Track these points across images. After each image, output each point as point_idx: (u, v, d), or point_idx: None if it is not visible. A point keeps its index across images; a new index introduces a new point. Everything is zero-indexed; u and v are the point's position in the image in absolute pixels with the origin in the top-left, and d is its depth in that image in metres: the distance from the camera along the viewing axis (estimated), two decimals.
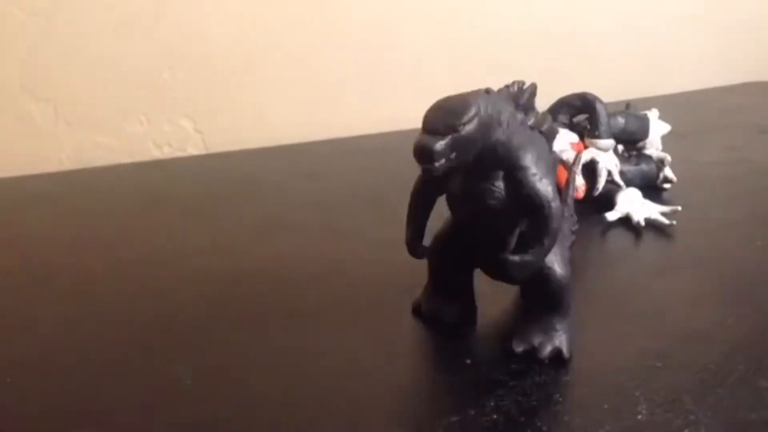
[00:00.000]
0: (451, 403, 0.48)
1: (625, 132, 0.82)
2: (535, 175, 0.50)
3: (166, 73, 1.01)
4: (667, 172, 0.83)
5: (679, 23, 1.28)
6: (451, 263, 0.58)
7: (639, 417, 0.46)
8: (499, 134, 0.49)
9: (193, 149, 1.05)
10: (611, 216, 0.76)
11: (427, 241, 0.57)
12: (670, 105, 0.96)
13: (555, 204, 0.51)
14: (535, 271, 0.53)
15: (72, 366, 0.53)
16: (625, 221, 0.76)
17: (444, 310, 0.58)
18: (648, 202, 0.77)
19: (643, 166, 0.83)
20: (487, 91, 0.50)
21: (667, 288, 0.63)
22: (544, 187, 0.50)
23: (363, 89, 1.11)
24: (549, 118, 0.56)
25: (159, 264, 0.70)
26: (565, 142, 0.79)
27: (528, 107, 0.53)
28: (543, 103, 0.83)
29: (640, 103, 0.88)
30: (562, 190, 0.78)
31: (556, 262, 0.54)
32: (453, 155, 0.47)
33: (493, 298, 0.60)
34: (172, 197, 0.87)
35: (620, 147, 0.84)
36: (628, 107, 0.86)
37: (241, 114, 1.06)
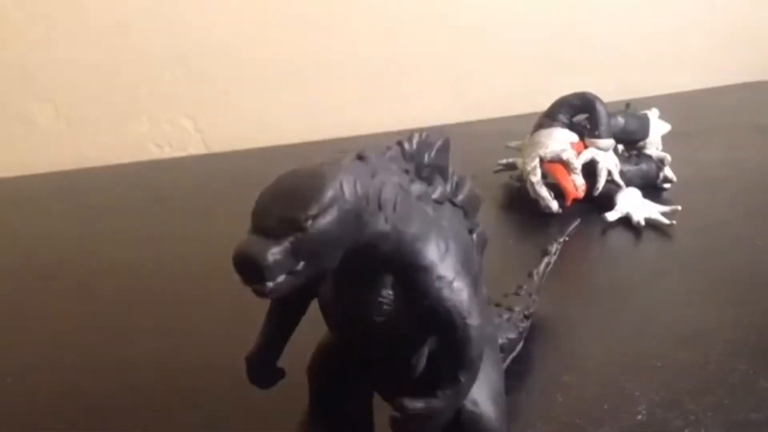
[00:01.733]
0: None
1: (625, 132, 0.82)
2: (441, 278, 0.36)
3: (167, 72, 1.01)
4: (667, 171, 0.83)
5: (679, 22, 1.27)
6: (338, 385, 0.43)
7: (639, 417, 0.46)
8: (380, 223, 0.34)
9: (194, 149, 1.05)
10: (611, 216, 0.75)
11: None
12: (671, 104, 0.96)
13: (473, 321, 0.36)
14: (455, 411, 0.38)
15: (72, 366, 0.53)
16: (625, 221, 0.76)
17: None
18: (648, 202, 0.77)
19: (643, 166, 0.83)
20: (361, 157, 0.35)
21: (667, 288, 0.63)
22: (456, 295, 0.36)
23: (364, 89, 1.11)
24: (469, 182, 0.42)
25: (160, 263, 0.70)
26: (565, 141, 0.79)
27: (434, 171, 0.40)
28: (543, 102, 0.84)
29: (641, 103, 0.88)
30: (563, 189, 0.79)
31: (482, 397, 0.39)
32: (300, 266, 0.32)
33: None
34: (173, 197, 0.87)
35: (620, 147, 0.84)
36: (628, 107, 0.86)
37: (242, 114, 1.06)
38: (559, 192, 0.78)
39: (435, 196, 0.39)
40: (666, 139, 0.85)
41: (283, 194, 0.33)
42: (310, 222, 0.31)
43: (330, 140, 1.05)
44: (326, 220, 0.32)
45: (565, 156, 0.78)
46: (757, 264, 0.67)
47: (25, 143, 0.97)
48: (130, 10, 0.97)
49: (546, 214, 0.78)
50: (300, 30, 1.06)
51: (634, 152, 0.84)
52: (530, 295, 0.55)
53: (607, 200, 0.78)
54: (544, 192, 0.78)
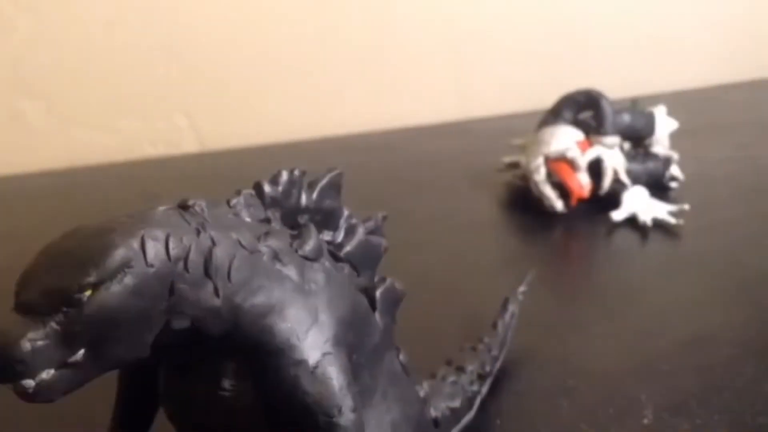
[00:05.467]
0: None
1: (631, 129, 0.81)
2: (300, 363, 0.28)
3: (161, 69, 1.00)
4: (674, 170, 0.82)
5: (686, 19, 1.27)
6: None
7: (645, 421, 0.45)
8: (207, 295, 0.27)
9: (189, 147, 1.04)
10: (617, 215, 0.74)
11: None
12: (678, 102, 0.95)
13: (344, 419, 0.29)
14: None
15: None
16: (631, 221, 0.74)
17: None
18: (655, 201, 0.76)
19: (650, 164, 0.82)
20: (185, 206, 0.29)
21: (673, 289, 0.62)
22: (321, 386, 0.28)
23: (363, 86, 1.10)
24: (362, 229, 0.36)
25: None
26: (570, 139, 0.78)
27: (317, 216, 0.34)
28: (547, 99, 0.83)
29: (647, 100, 0.87)
30: (569, 188, 0.78)
31: None
32: (79, 355, 0.25)
33: None
34: (167, 196, 0.84)
35: (626, 145, 0.83)
36: (634, 104, 0.85)
37: (238, 111, 1.05)
38: (564, 191, 0.77)
39: (304, 251, 0.31)
40: (673, 137, 0.84)
41: (56, 257, 0.25)
42: (87, 293, 0.24)
43: (328, 138, 1.05)
44: (113, 290, 0.24)
45: (569, 154, 0.77)
46: (766, 264, 0.66)
47: (16, 141, 0.97)
48: (122, 4, 0.97)
49: (551, 214, 0.77)
50: (298, 24, 1.05)
51: (641, 150, 0.83)
52: (490, 350, 0.48)
53: (613, 199, 0.77)
54: (548, 191, 0.77)
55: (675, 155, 0.82)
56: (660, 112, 0.84)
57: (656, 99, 0.89)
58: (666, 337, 0.54)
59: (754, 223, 0.74)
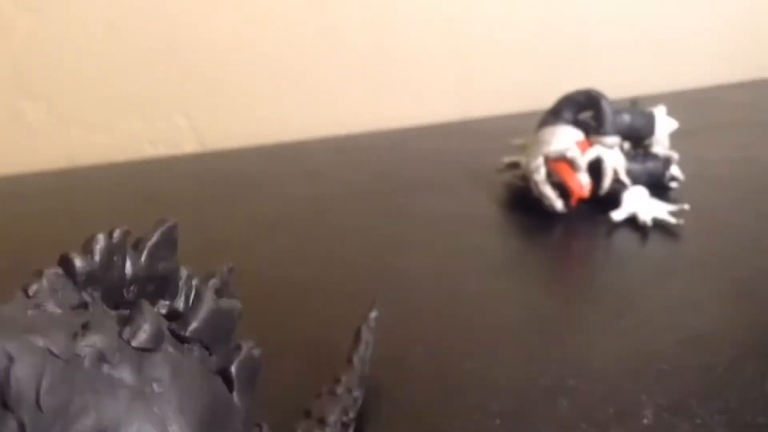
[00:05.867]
0: (454, 408, 0.47)
1: (631, 129, 0.81)
2: None
3: (161, 69, 1.00)
4: (674, 170, 0.82)
5: (687, 18, 1.26)
6: None
7: (645, 421, 0.45)
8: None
9: (189, 147, 1.04)
10: (617, 215, 0.74)
11: None
12: (678, 102, 0.95)
13: None
14: None
15: None
16: (631, 221, 0.74)
17: None
18: (655, 201, 0.76)
19: (650, 164, 0.82)
20: None
21: (673, 289, 0.62)
22: None
23: (363, 86, 1.10)
24: (210, 293, 0.29)
25: None
26: (570, 139, 0.78)
27: (148, 287, 0.27)
28: (547, 100, 0.83)
29: (647, 100, 0.87)
30: (569, 188, 0.77)
31: None
32: None
33: None
34: (168, 196, 0.86)
35: (626, 145, 0.83)
36: (634, 104, 0.84)
37: (239, 111, 1.05)
38: (564, 191, 0.77)
39: (139, 341, 0.24)
40: (674, 137, 0.84)
41: None
42: None
43: (329, 138, 1.04)
44: None
45: (569, 154, 0.77)
46: (766, 264, 0.66)
47: (16, 141, 0.97)
48: (123, 4, 0.97)
49: (551, 214, 0.77)
50: (298, 24, 1.05)
51: (641, 150, 0.83)
52: (350, 391, 0.41)
53: (613, 199, 0.76)
54: (548, 191, 0.77)
55: (675, 155, 0.82)
56: (660, 112, 0.84)
57: (656, 99, 0.89)
58: (666, 337, 0.54)
59: (755, 223, 0.74)
